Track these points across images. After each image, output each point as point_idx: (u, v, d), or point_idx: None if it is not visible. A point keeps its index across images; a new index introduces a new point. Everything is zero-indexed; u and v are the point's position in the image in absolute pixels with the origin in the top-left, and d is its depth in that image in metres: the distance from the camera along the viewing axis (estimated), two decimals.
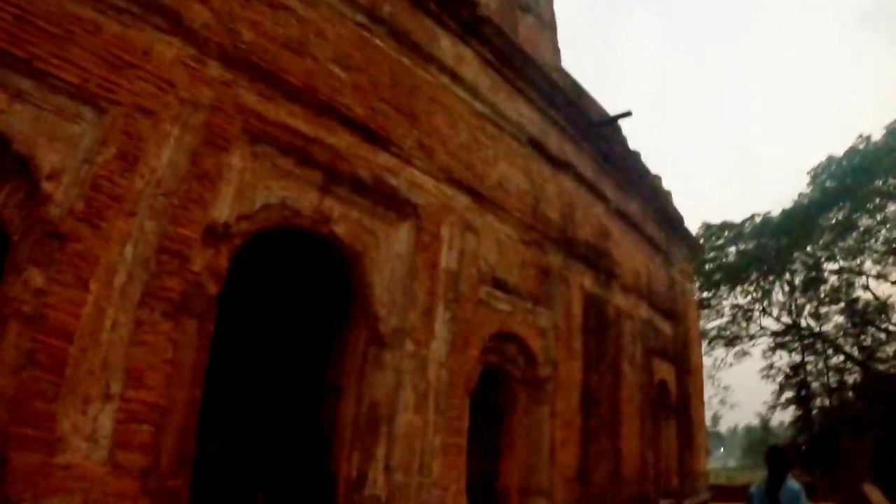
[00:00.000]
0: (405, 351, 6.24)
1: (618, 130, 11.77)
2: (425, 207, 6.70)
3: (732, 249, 35.75)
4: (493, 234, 7.70)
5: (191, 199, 4.65)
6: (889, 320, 33.13)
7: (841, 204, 32.31)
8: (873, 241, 32.85)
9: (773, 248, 34.06)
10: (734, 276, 34.72)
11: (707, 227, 36.01)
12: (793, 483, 6.45)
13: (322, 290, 7.03)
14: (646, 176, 12.66)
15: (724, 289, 35.51)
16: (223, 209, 4.92)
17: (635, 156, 12.23)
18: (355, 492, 5.84)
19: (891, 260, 32.79)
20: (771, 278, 35.19)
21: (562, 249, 8.94)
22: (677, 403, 12.34)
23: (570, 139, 9.82)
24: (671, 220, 14.00)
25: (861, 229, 32.76)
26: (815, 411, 32.48)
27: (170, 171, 4.54)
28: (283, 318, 8.93)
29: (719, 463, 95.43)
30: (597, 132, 10.62)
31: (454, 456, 6.65)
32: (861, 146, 32.50)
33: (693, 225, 42.57)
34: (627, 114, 11.13)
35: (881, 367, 32.45)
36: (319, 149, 5.63)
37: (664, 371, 11.84)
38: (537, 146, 8.95)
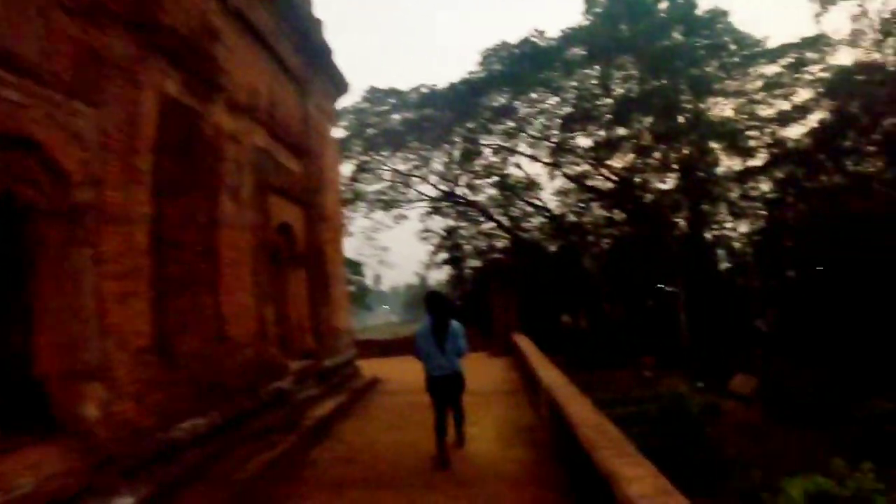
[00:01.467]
0: None
1: None
2: None
3: (397, 116, 35.21)
4: None
5: None
6: (536, 196, 35.84)
7: (506, 89, 33.31)
8: (529, 126, 34.71)
9: (437, 119, 34.22)
10: (396, 142, 34.29)
11: (373, 91, 34.91)
12: (454, 322, 7.33)
13: None
14: None
15: (385, 154, 35.09)
16: None
17: None
18: None
19: (542, 145, 35.12)
20: (431, 148, 35.57)
21: (131, 33, 5.94)
22: (308, 252, 10.32)
23: None
24: (315, 49, 11.52)
25: (520, 115, 34.37)
26: (467, 271, 34.30)
27: None
28: None
29: (383, 319, 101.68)
30: None
31: None
32: (534, 39, 33.40)
33: (360, 88, 41.57)
34: None
35: (526, 235, 35.34)
36: None
37: (288, 214, 9.58)
38: None
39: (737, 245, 35.80)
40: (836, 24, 73.29)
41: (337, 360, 10.84)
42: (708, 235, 35.09)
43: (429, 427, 7.30)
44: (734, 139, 32.70)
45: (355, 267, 40.74)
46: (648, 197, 34.93)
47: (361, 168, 35.18)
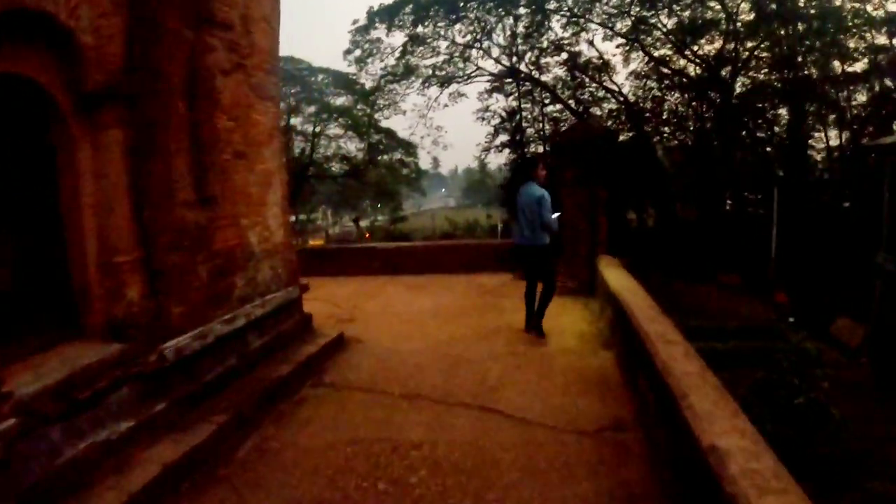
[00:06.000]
0: None
1: None
2: None
3: None
4: None
5: None
6: (609, 78, 27.91)
7: None
8: (605, 1, 26.31)
9: None
10: (453, 9, 26.57)
11: None
12: (534, 188, 6.11)
13: None
14: None
15: (441, 24, 27.44)
16: None
17: None
18: None
19: (619, 20, 26.93)
20: (494, 19, 27.87)
21: None
22: (132, 88, 3.72)
23: None
24: None
25: None
26: (528, 156, 27.59)
27: None
28: None
29: (441, 203, 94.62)
30: None
31: None
32: None
33: None
34: None
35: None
36: None
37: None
38: None
39: (819, 158, 27.59)
40: None
41: (220, 329, 4.37)
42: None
43: None
44: (840, 35, 23.98)
45: (408, 147, 34.22)
46: (739, 89, 26.71)
47: (415, 41, 27.86)
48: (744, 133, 26.18)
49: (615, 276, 6.18)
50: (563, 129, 22.42)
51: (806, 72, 24.95)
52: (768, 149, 26.20)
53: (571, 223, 8.03)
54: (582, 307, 7.45)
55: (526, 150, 27.56)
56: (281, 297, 5.34)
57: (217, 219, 4.49)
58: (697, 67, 27.00)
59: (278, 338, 5.27)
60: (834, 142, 26.41)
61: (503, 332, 6.44)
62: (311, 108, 33.55)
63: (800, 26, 24.65)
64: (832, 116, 26.05)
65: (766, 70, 26.30)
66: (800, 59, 25.05)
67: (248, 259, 4.91)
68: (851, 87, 25.53)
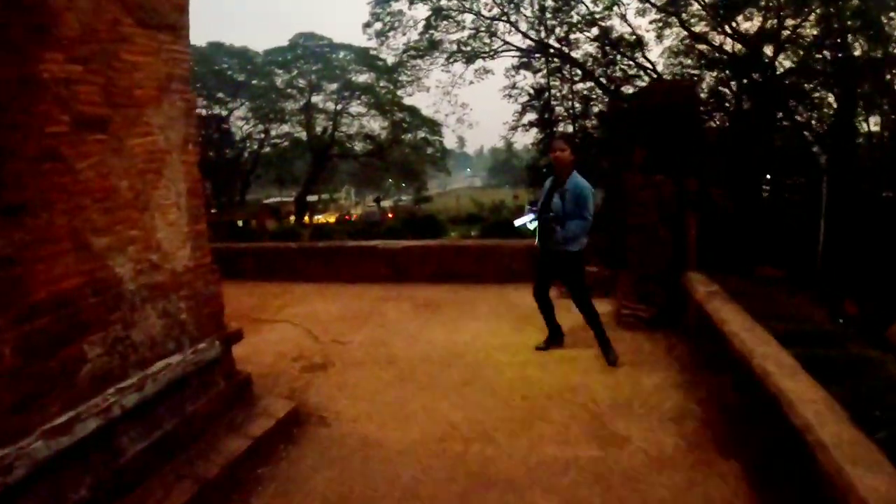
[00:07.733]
0: None
1: None
2: None
3: None
4: None
5: None
6: (643, 55, 25.69)
7: None
8: None
9: None
10: None
11: None
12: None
13: None
14: None
15: None
16: None
17: None
18: None
19: None
20: None
21: None
22: None
23: None
24: None
25: None
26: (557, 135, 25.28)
27: None
28: None
29: (466, 183, 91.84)
30: None
31: None
32: None
33: None
34: None
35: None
36: None
37: None
38: None
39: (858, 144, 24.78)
40: None
41: (46, 448, 2.04)
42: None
43: None
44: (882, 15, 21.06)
45: (432, 126, 32.12)
46: (781, 69, 23.73)
47: (438, 13, 25.66)
48: (783, 115, 23.65)
49: (737, 325, 3.65)
50: (638, 89, 19.90)
51: (856, 52, 22.34)
52: (805, 133, 23.62)
53: (641, 226, 5.53)
54: (664, 353, 4.91)
55: (554, 128, 25.28)
56: (183, 363, 3.03)
57: (37, 243, 2.28)
58: (737, 44, 24.40)
59: (181, 430, 3.04)
60: (874, 128, 23.90)
61: (555, 407, 3.88)
62: (333, 86, 32.10)
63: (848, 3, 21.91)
64: (882, 101, 23.32)
65: (811, 49, 23.60)
66: (850, 37, 22.38)
67: (113, 307, 2.67)
68: (894, 72, 22.78)
